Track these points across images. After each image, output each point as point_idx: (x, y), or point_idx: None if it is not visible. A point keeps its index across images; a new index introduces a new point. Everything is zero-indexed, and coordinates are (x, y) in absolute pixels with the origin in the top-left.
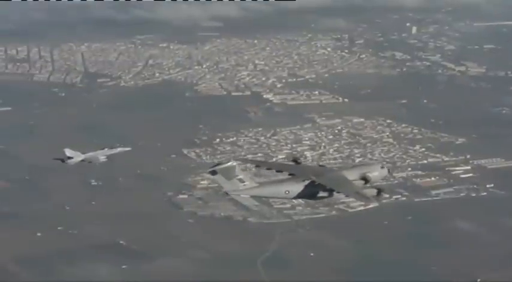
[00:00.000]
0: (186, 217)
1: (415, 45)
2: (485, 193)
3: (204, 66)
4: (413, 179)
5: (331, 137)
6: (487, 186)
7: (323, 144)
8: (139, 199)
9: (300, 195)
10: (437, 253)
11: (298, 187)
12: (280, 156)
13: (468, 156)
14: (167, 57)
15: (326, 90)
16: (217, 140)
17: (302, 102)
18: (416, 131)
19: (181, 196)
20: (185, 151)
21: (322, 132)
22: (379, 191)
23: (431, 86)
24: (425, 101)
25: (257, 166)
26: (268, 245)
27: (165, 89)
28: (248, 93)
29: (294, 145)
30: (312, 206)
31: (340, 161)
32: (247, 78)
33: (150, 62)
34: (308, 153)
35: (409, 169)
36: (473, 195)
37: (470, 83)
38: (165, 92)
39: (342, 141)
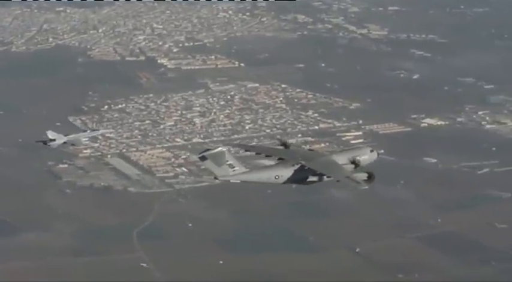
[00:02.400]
0: (64, 187)
1: (318, 7)
2: None
3: (100, 30)
4: (303, 146)
5: (223, 103)
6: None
7: (214, 110)
8: (18, 169)
9: (289, 180)
10: (317, 223)
11: (288, 172)
12: (168, 123)
13: (361, 122)
14: (63, 22)
15: (223, 55)
16: (106, 107)
17: (197, 67)
18: (310, 96)
19: (61, 166)
20: (71, 119)
21: (214, 98)
22: (370, 175)
23: (331, 49)
24: (323, 65)
25: (246, 150)
26: (147, 216)
27: (57, 54)
28: (143, 58)
29: (184, 111)
30: (196, 175)
31: (230, 127)
32: (143, 43)
33: (45, 26)
34: (197, 120)
35: (300, 135)
36: None
37: (371, 46)
38: (57, 58)
39: (234, 107)
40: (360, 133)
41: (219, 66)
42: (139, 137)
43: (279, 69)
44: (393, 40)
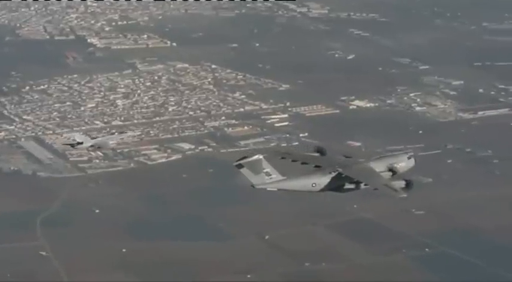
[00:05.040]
0: None
1: None
2: (296, 143)
3: (32, 8)
4: (225, 129)
5: (148, 84)
6: (301, 135)
7: (138, 91)
8: None
9: (326, 188)
10: (230, 210)
11: (324, 179)
12: (89, 105)
13: (288, 104)
14: None
15: (156, 34)
16: (27, 87)
17: (127, 46)
18: (240, 77)
19: None
20: None
21: (141, 79)
22: (408, 182)
23: (268, 28)
24: (257, 44)
25: (282, 158)
26: (53, 202)
27: None
28: (72, 37)
29: (107, 93)
30: (111, 159)
31: (153, 109)
32: (75, 21)
33: None
34: (120, 102)
35: (223, 118)
36: (284, 145)
37: (309, 25)
38: None
39: (159, 89)
40: (286, 116)
41: (150, 45)
42: (57, 119)
43: (211, 49)
44: (333, 19)
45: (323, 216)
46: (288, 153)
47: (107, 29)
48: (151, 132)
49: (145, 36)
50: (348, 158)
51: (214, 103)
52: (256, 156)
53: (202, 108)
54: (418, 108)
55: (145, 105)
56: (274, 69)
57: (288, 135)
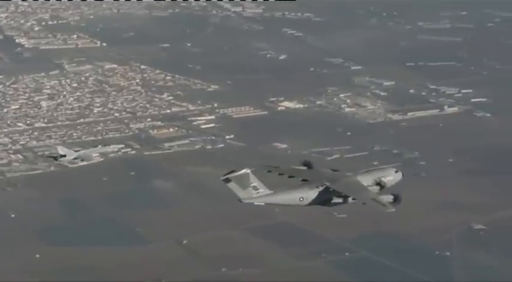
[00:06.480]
0: None
1: None
2: (222, 145)
3: None
4: (150, 131)
5: (75, 85)
6: (226, 137)
7: (64, 92)
8: None
9: (314, 202)
10: (149, 213)
11: (312, 194)
12: (13, 107)
13: (216, 105)
14: None
15: (86, 34)
16: None
17: (56, 47)
18: (169, 77)
19: None
20: None
21: (68, 80)
22: (395, 197)
23: (201, 28)
24: (189, 44)
25: (269, 171)
26: None
27: None
28: (0, 37)
29: (32, 94)
30: (31, 162)
31: (78, 111)
32: (4, 21)
33: None
34: (44, 103)
35: (149, 119)
36: (209, 147)
37: (243, 25)
38: None
39: (86, 90)
40: (213, 117)
41: (80, 45)
42: None
43: (142, 50)
44: (267, 18)
45: (244, 220)
46: (275, 166)
47: (36, 28)
48: (74, 134)
49: (75, 36)
50: (335, 171)
51: (141, 104)
52: (243, 171)
53: (128, 110)
54: (347, 109)
55: (70, 106)
56: (204, 69)
57: (213, 137)
